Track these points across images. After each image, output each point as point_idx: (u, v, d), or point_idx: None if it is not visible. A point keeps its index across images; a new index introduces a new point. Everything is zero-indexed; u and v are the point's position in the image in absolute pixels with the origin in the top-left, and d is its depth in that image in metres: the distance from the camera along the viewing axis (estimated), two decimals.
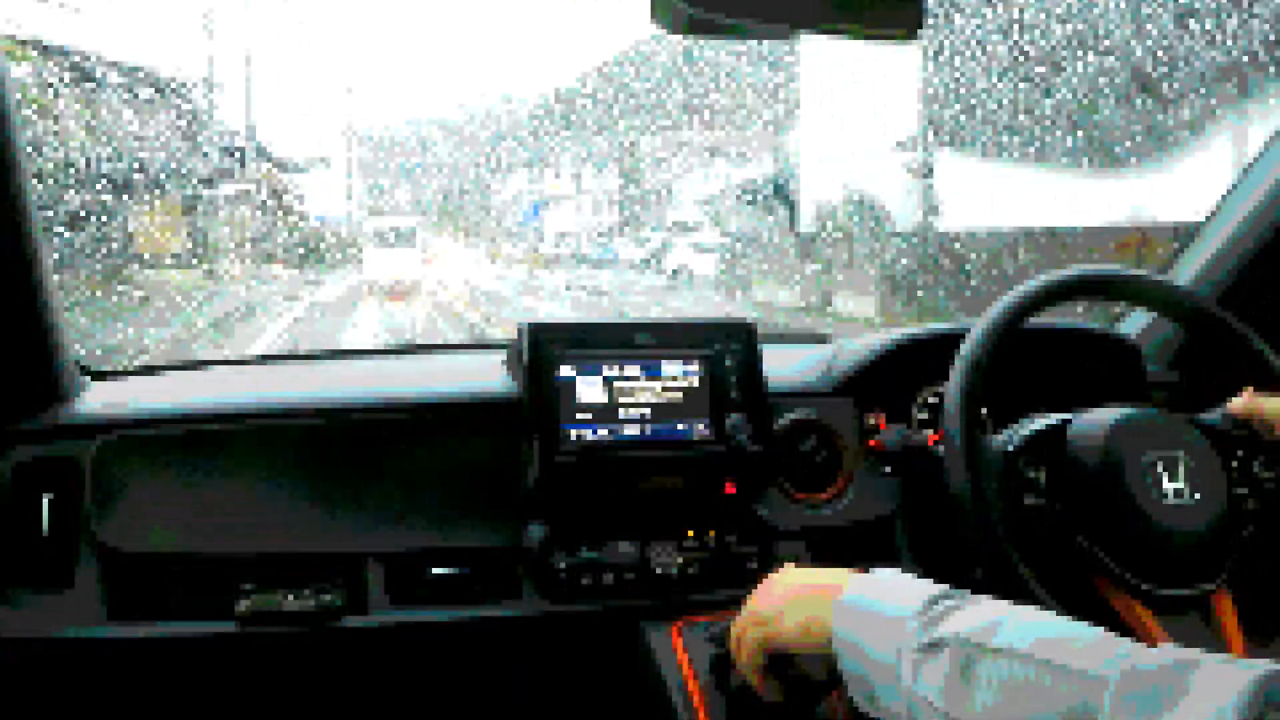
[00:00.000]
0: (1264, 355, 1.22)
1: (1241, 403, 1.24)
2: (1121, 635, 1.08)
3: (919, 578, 0.91)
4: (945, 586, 0.87)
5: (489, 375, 1.45)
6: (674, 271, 15.30)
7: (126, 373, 1.57)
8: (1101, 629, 0.79)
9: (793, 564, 1.06)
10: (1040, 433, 1.20)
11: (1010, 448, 1.19)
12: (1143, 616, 1.11)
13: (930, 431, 1.52)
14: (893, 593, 0.88)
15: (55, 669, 1.30)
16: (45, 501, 1.27)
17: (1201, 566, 1.14)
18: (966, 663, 0.77)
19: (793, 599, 0.96)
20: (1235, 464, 1.21)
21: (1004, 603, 0.84)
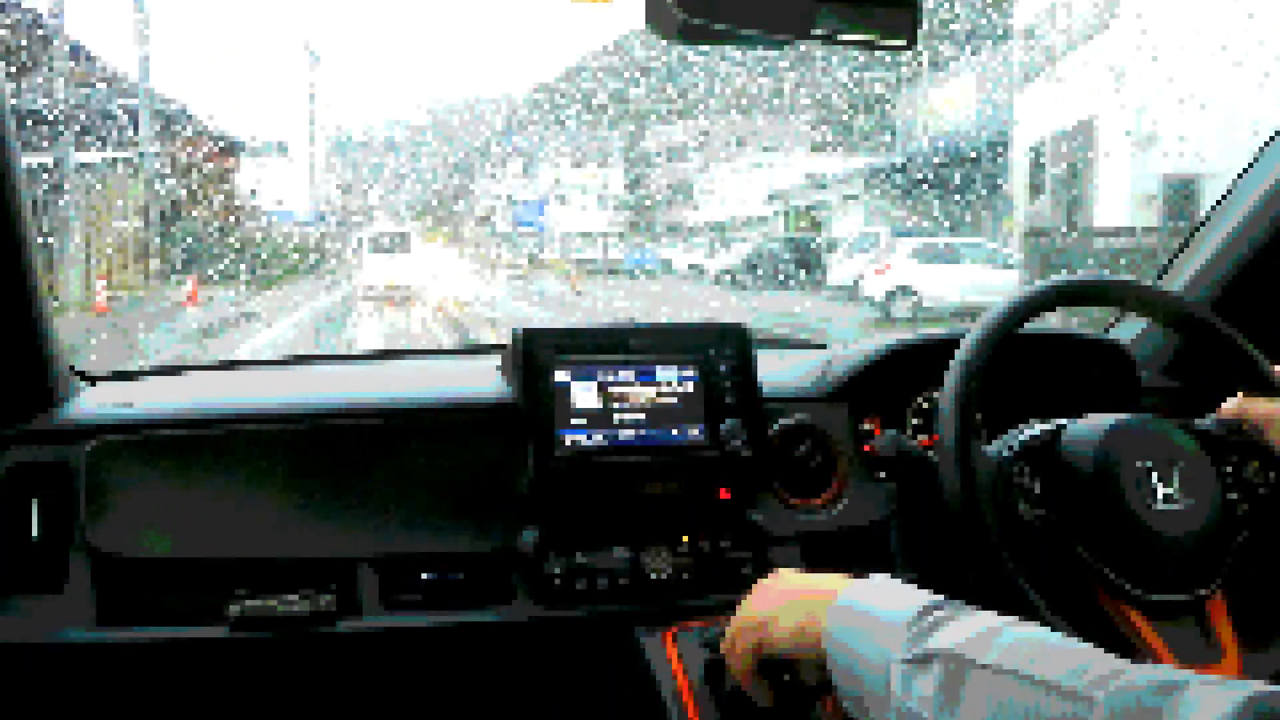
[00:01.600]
0: (1255, 359, 1.23)
1: (1233, 406, 1.24)
2: (1116, 641, 1.08)
3: (913, 585, 0.91)
4: (938, 596, 0.87)
5: (483, 380, 1.44)
6: (888, 296, 10.31)
7: (120, 377, 1.57)
8: (1092, 645, 0.79)
9: (787, 569, 1.06)
10: (1034, 439, 1.20)
11: (1004, 454, 1.19)
12: (1137, 622, 1.11)
13: (924, 437, 1.52)
14: (886, 601, 0.88)
15: (46, 673, 1.30)
16: (35, 505, 1.27)
17: (1195, 571, 1.14)
18: (955, 677, 0.77)
19: (786, 603, 0.96)
20: (1229, 469, 1.21)
21: (996, 616, 0.84)
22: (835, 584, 0.94)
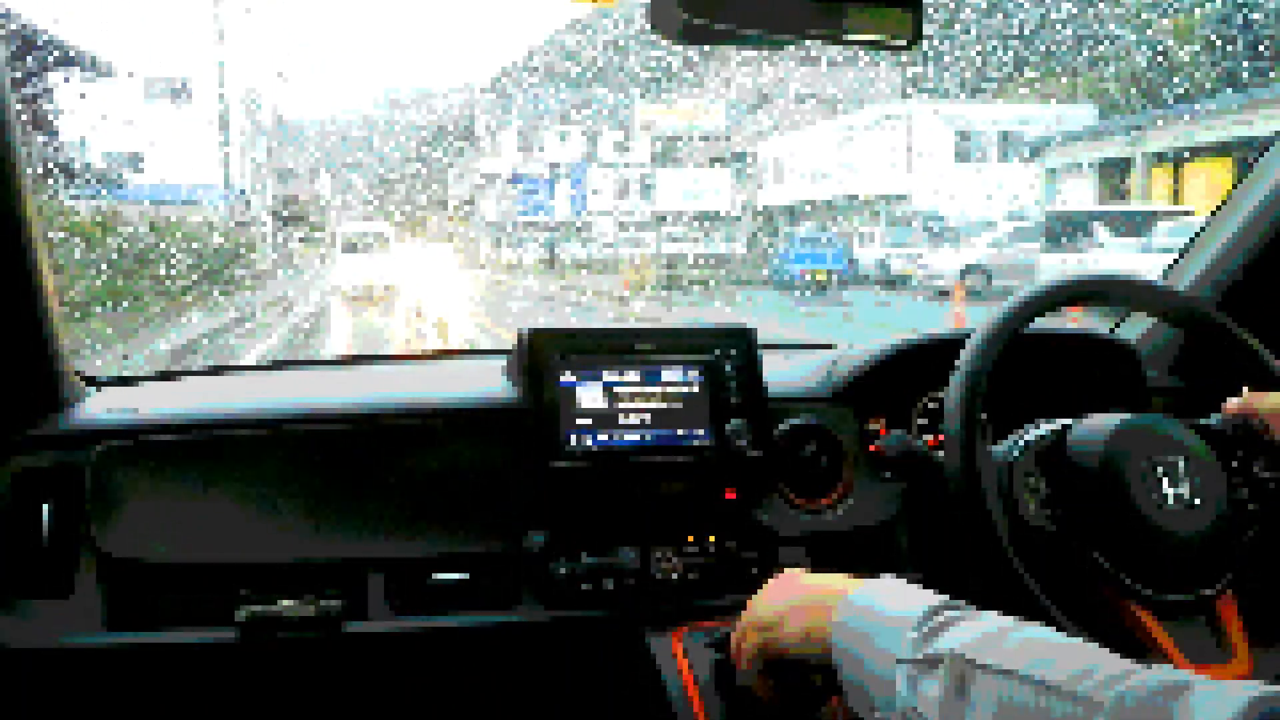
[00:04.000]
0: (1260, 355, 1.22)
1: (1238, 403, 1.24)
2: (1126, 642, 1.08)
3: (921, 587, 0.91)
4: (945, 598, 0.87)
5: (489, 382, 1.45)
6: None
7: (127, 380, 1.57)
8: (1098, 646, 0.79)
9: (795, 569, 1.06)
10: (1041, 440, 1.20)
11: (1011, 455, 1.19)
12: (1147, 623, 1.11)
13: (930, 437, 1.51)
14: (893, 602, 0.88)
15: (55, 678, 1.30)
16: (45, 510, 1.27)
17: (1204, 570, 1.14)
18: (962, 679, 0.77)
19: (794, 605, 0.96)
20: (1235, 465, 1.21)
21: (1002, 617, 0.84)
22: (843, 585, 0.94)
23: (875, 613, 0.88)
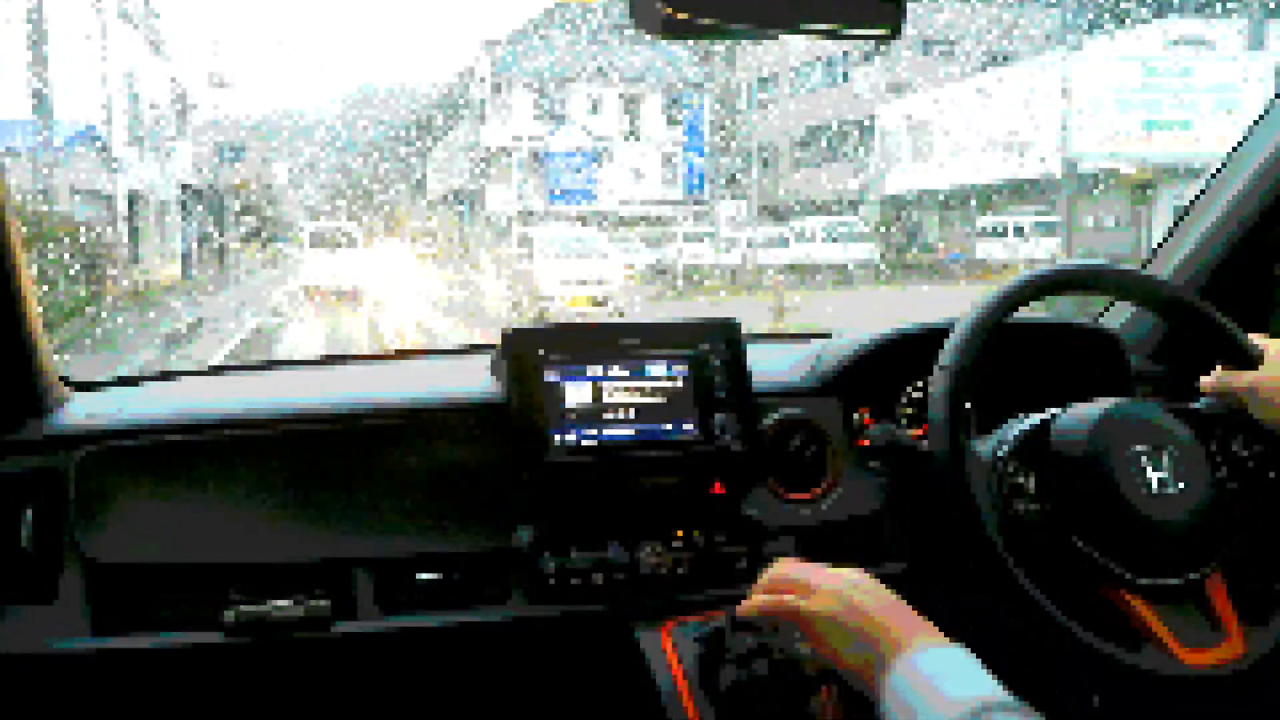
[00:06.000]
0: (1231, 332, 1.23)
1: (1213, 380, 1.25)
2: (1120, 629, 1.08)
3: (979, 665, 0.89)
4: (1005, 694, 0.85)
5: (475, 380, 1.44)
6: None
7: (109, 383, 1.56)
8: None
9: (850, 570, 1.02)
10: (1026, 433, 1.21)
11: (998, 451, 1.19)
12: (1139, 609, 1.12)
13: (916, 428, 1.52)
14: (950, 682, 0.87)
15: (42, 684, 1.29)
16: (28, 514, 1.26)
17: (1192, 554, 1.15)
18: None
19: (857, 637, 0.94)
20: (1215, 446, 1.22)
21: None
22: (906, 639, 0.92)
23: (930, 688, 0.87)
